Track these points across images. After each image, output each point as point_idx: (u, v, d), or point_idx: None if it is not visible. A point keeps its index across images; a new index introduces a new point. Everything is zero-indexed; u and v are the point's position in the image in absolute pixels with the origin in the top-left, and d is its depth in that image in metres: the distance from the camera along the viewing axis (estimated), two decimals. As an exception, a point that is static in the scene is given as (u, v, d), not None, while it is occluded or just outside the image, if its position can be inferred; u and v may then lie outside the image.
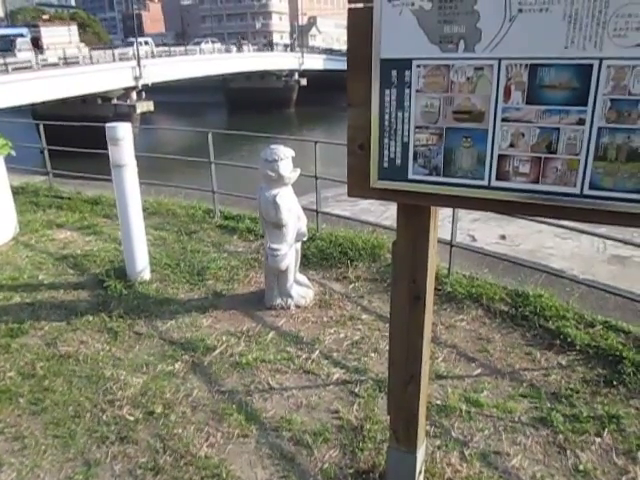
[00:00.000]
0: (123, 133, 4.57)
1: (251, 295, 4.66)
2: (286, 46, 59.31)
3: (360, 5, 1.70)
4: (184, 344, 3.94)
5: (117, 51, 34.53)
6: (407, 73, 1.67)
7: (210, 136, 6.52)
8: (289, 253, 4.21)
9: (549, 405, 3.25)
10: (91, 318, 4.31)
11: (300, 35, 58.97)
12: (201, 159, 7.15)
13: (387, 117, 1.74)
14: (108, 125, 4.62)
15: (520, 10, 1.49)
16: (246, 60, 46.94)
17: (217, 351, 3.84)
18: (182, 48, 45.40)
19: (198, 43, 51.13)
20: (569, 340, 3.84)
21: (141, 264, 4.93)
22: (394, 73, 1.69)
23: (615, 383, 3.44)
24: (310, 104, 48.23)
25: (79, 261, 5.43)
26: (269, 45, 58.16)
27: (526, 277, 4.60)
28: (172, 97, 49.91)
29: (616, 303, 4.36)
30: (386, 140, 1.77)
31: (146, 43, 42.05)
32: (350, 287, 4.73)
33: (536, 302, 4.18)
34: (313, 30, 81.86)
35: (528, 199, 1.64)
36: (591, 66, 1.46)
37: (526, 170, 1.62)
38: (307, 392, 3.40)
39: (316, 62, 53.80)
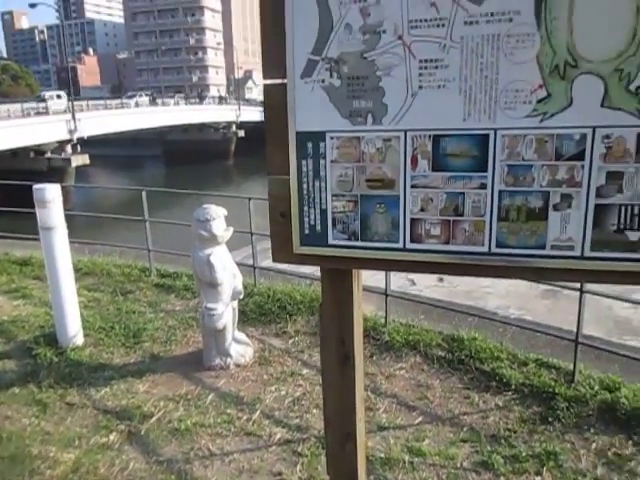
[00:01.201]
0: (51, 195, 4.47)
1: (189, 356, 4.56)
2: (220, 98, 60.08)
3: (274, 81, 1.78)
4: (119, 413, 3.79)
5: (26, 105, 33.92)
6: (322, 145, 1.75)
7: (144, 194, 6.47)
8: (226, 312, 4.18)
9: (489, 448, 3.32)
10: (17, 390, 4.09)
11: (237, 88, 60.02)
12: (135, 218, 7.06)
13: (305, 186, 1.81)
14: (36, 187, 4.51)
15: (420, 87, 1.61)
16: (183, 113, 47.22)
17: (154, 418, 3.71)
18: (118, 101, 45.21)
19: (132, 96, 51.03)
20: (504, 380, 3.96)
21: (73, 329, 4.75)
22: (310, 145, 1.76)
23: (550, 419, 3.57)
24: (249, 155, 48.71)
25: (5, 328, 5.17)
26: (199, 98, 58.57)
27: (460, 321, 4.74)
28: (109, 150, 49.27)
29: (546, 340, 4.56)
30: (306, 208, 1.83)
31: (59, 97, 41.34)
32: (290, 342, 4.72)
33: (471, 345, 4.31)
34: (249, 83, 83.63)
35: (441, 259, 1.72)
36: (487, 136, 1.58)
37: (437, 232, 1.71)
38: (249, 455, 3.33)
39: (253, 114, 54.74)
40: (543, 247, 1.61)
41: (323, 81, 1.70)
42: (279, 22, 1.68)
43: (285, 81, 1.74)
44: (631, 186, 1.49)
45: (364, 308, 5.24)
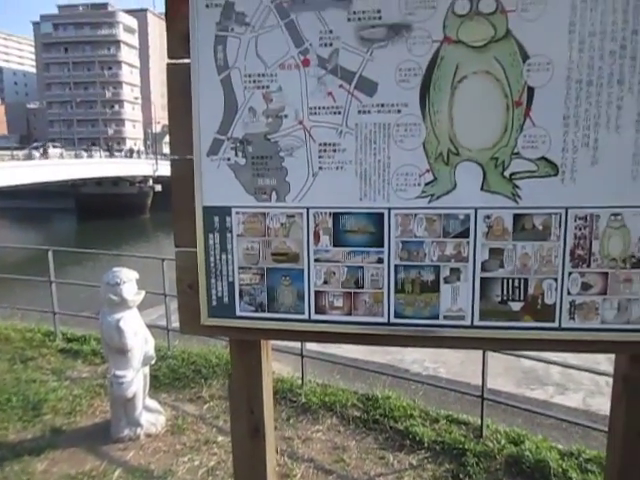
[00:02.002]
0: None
1: (96, 427, 4.30)
2: (131, 152, 59.02)
3: (180, 157, 1.83)
4: (12, 499, 3.48)
5: None
6: (228, 219, 1.80)
7: (50, 254, 6.18)
8: (136, 379, 4.01)
9: (403, 510, 3.33)
10: None
11: (154, 142, 59.46)
12: (40, 278, 6.69)
13: (212, 259, 1.84)
14: None
15: (320, 168, 1.71)
16: (97, 166, 45.92)
17: (53, 502, 3.43)
18: (26, 151, 43.31)
19: (37, 147, 48.99)
20: (417, 439, 4.03)
21: (-38, 405, 4.36)
22: (216, 219, 1.81)
23: (461, 476, 3.64)
24: (166, 209, 47.64)
25: None
26: (109, 151, 57.20)
27: (375, 379, 4.81)
28: (18, 202, 46.69)
29: (456, 396, 4.71)
30: (213, 280, 1.85)
31: None
32: (205, 407, 4.58)
33: (385, 404, 4.37)
34: (167, 138, 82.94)
35: (344, 329, 1.79)
36: (382, 214, 1.70)
37: (340, 304, 1.78)
38: (158, 536, 3.14)
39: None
40: (437, 317, 1.72)
41: (229, 159, 1.76)
42: (186, 102, 1.75)
43: (191, 157, 1.79)
44: (511, 261, 1.64)
45: (281, 370, 5.21)
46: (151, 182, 52.69)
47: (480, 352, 6.20)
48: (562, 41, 1.52)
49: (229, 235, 1.81)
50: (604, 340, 1.63)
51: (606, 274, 1.59)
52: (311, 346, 5.15)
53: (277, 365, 5.33)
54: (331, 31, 1.63)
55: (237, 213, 1.79)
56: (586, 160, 1.55)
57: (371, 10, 1.60)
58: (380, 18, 1.60)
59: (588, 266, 1.60)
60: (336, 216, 1.73)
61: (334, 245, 1.75)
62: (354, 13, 1.61)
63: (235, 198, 1.78)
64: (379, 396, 4.48)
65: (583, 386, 5.82)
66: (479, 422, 4.10)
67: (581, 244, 1.59)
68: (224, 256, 1.83)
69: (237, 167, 1.77)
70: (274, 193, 1.76)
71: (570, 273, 1.61)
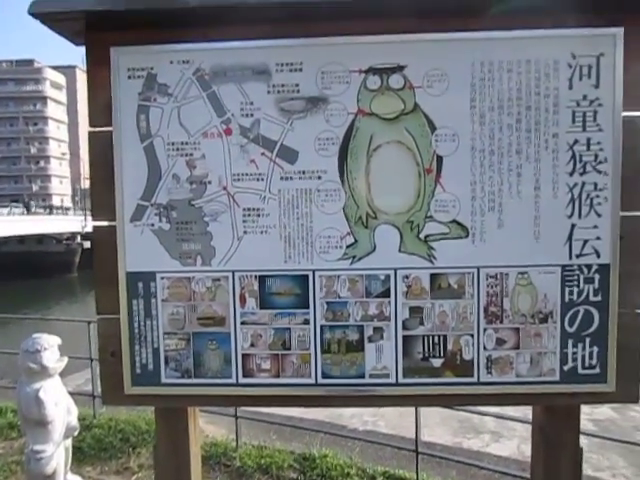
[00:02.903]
0: None
1: (10, 510, 3.95)
2: (51, 208, 56.88)
3: (103, 223, 1.81)
4: None
5: None
6: (152, 285, 1.78)
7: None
8: (56, 453, 3.75)
9: None
10: None
11: (83, 198, 57.82)
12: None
13: (136, 325, 1.80)
14: None
15: (245, 232, 1.74)
16: (17, 224, 43.79)
17: None
18: None
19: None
20: (356, 498, 3.95)
21: None
22: (140, 285, 1.79)
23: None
24: (95, 267, 46.06)
25: None
26: (26, 208, 54.73)
27: (312, 438, 4.73)
28: None
29: (393, 450, 4.69)
30: (137, 347, 1.81)
31: None
32: (133, 479, 4.32)
33: (322, 463, 4.29)
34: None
35: (273, 392, 1.79)
36: (307, 276, 1.74)
37: (267, 366, 1.78)
38: None
39: (101, 224, 52.35)
40: (363, 376, 1.75)
41: (153, 225, 1.77)
42: (108, 169, 1.75)
43: (114, 224, 1.78)
44: (430, 319, 1.71)
45: (215, 432, 5.03)
46: (79, 239, 50.83)
47: (416, 403, 6.29)
48: (465, 115, 1.66)
49: (154, 300, 1.79)
50: (520, 393, 1.71)
51: (518, 329, 1.69)
52: (246, 407, 5.01)
53: (211, 428, 5.14)
54: (252, 102, 1.71)
55: (162, 278, 1.78)
56: (493, 223, 1.67)
57: (290, 84, 1.70)
58: (298, 91, 1.70)
59: (501, 322, 1.69)
60: (262, 279, 1.76)
61: (260, 307, 1.76)
62: (273, 86, 1.70)
63: (159, 263, 1.78)
64: (316, 455, 4.39)
65: (517, 432, 5.94)
66: (415, 477, 4.09)
67: (493, 301, 1.69)
68: (149, 322, 1.80)
69: (161, 232, 1.77)
70: (199, 257, 1.76)
71: (485, 329, 1.70)
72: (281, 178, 1.72)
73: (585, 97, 1.65)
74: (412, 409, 5.94)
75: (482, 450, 5.59)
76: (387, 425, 5.92)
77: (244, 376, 1.80)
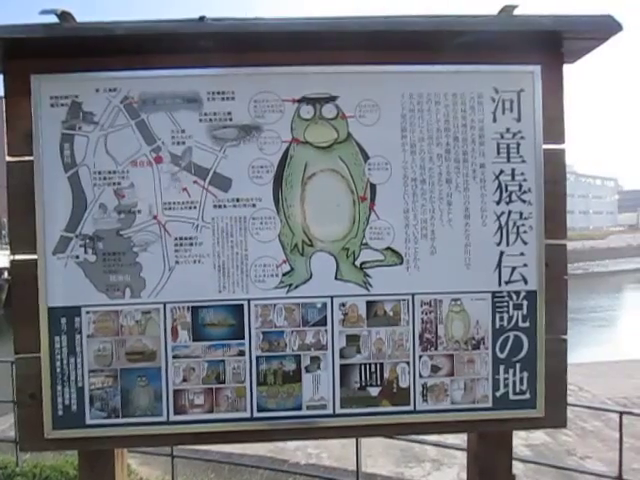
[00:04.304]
0: None
1: None
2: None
3: (23, 257, 1.71)
4: None
5: None
6: (77, 320, 1.69)
7: None
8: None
9: None
10: None
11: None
12: None
13: (59, 364, 1.70)
14: None
15: (177, 262, 1.69)
16: None
17: None
18: None
19: None
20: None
21: None
22: (63, 320, 1.69)
23: None
24: (24, 302, 43.62)
25: None
26: None
27: (252, 474, 4.59)
28: None
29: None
30: (59, 387, 1.70)
31: None
32: (58, 531, 4.02)
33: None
34: (27, 224, 77.21)
35: (206, 428, 1.72)
36: (242, 306, 1.70)
37: (201, 401, 1.71)
38: None
39: (30, 257, 49.99)
40: (300, 408, 1.71)
41: (77, 257, 1.68)
42: (28, 200, 1.66)
43: (35, 257, 1.68)
44: (367, 347, 1.70)
45: (150, 475, 4.79)
46: (6, 274, 48.21)
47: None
48: (396, 144, 1.69)
49: (78, 337, 1.70)
50: (455, 420, 1.72)
51: (452, 356, 1.71)
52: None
53: (145, 469, 4.89)
54: (183, 130, 1.68)
55: (87, 313, 1.69)
56: (426, 250, 1.69)
57: (222, 112, 1.68)
58: (231, 120, 1.68)
59: (435, 349, 1.71)
60: (195, 310, 1.70)
61: (193, 340, 1.70)
62: (205, 114, 1.68)
63: (85, 297, 1.69)
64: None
65: (457, 460, 5.99)
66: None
67: (428, 328, 1.70)
68: (72, 360, 1.70)
69: (87, 265, 1.69)
70: (128, 289, 1.69)
71: (420, 356, 1.71)
72: (214, 206, 1.69)
73: (508, 130, 1.73)
74: (354, 440, 5.91)
75: (422, 479, 5.60)
76: (330, 457, 5.84)
77: (176, 413, 1.72)
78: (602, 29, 1.67)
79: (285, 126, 1.69)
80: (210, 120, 1.68)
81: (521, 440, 6.38)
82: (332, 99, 1.70)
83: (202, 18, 1.61)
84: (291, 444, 5.86)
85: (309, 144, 1.69)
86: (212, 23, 1.62)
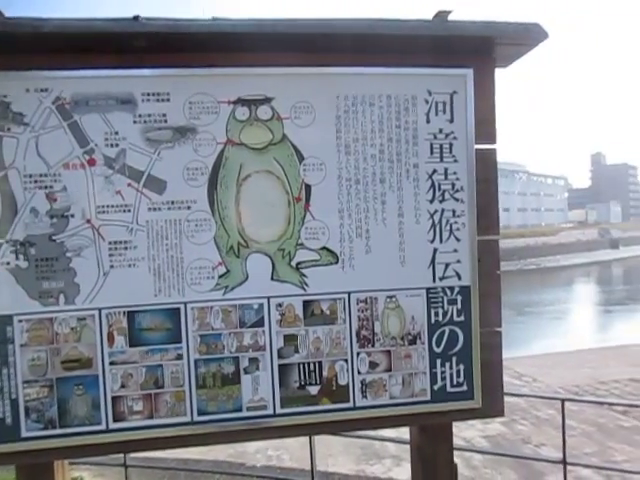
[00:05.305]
0: None
1: None
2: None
3: (-51, 265, 1.65)
4: None
5: None
6: (9, 329, 1.64)
7: None
8: None
9: None
10: None
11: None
12: None
13: (-10, 375, 1.65)
14: None
15: (112, 266, 1.67)
16: None
17: None
18: None
19: None
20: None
21: None
22: (-6, 330, 1.64)
23: None
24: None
25: None
26: None
27: (208, 479, 4.55)
28: None
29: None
30: (-9, 399, 1.65)
31: None
32: None
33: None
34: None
35: (146, 435, 1.69)
36: (179, 309, 1.69)
37: (140, 408, 1.69)
38: None
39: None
40: (240, 410, 1.71)
41: (8, 263, 1.64)
42: (-46, 204, 1.61)
43: (-39, 266, 1.63)
44: (305, 346, 1.72)
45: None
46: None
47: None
48: (331, 145, 1.71)
49: (10, 346, 1.65)
50: (395, 415, 1.75)
51: (389, 352, 1.74)
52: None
53: (100, 481, 4.79)
54: (117, 132, 1.65)
55: (20, 321, 1.65)
56: (361, 249, 1.72)
57: (157, 114, 1.67)
58: (166, 121, 1.67)
59: (373, 346, 1.73)
60: (131, 315, 1.68)
61: (130, 345, 1.68)
62: (139, 116, 1.66)
63: (17, 305, 1.64)
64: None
65: (416, 455, 6.09)
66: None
67: (365, 325, 1.73)
68: (5, 371, 1.65)
69: (18, 271, 1.64)
70: (62, 296, 1.66)
71: (358, 353, 1.73)
72: (149, 209, 1.67)
73: (441, 130, 1.77)
74: (316, 439, 5.93)
75: (384, 476, 5.65)
76: (292, 458, 5.84)
77: (115, 420, 1.69)
78: (530, 36, 1.73)
79: (220, 128, 1.69)
80: (144, 122, 1.67)
81: (478, 432, 6.54)
82: (267, 101, 1.70)
83: (136, 17, 1.59)
84: (251, 447, 5.84)
85: (244, 146, 1.69)
86: (146, 23, 1.60)
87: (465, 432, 6.36)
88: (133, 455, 4.51)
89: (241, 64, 1.70)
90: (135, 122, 1.66)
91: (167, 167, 1.67)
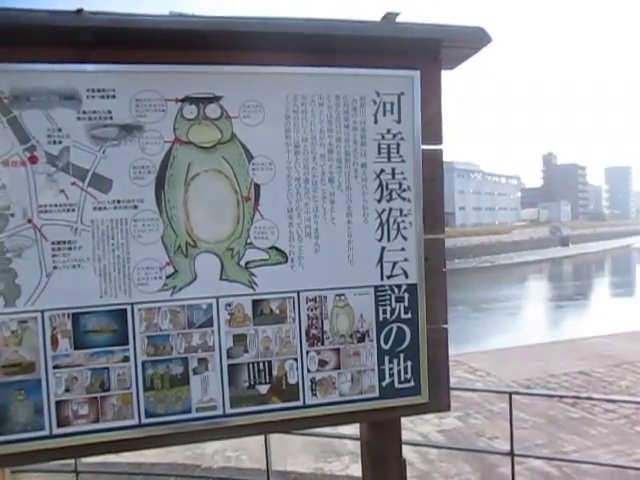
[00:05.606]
0: None
1: None
2: None
3: None
4: None
5: None
6: (-56, 332, 1.58)
7: None
8: None
9: None
10: None
11: None
12: None
13: None
14: None
15: (55, 267, 1.62)
16: None
17: None
18: None
19: None
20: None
21: None
22: None
23: None
24: None
25: None
26: None
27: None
28: None
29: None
30: None
31: None
32: None
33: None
34: None
35: (93, 439, 1.66)
36: (125, 310, 1.66)
37: (85, 412, 1.65)
38: None
39: None
40: (189, 411, 1.70)
41: (-56, 264, 1.57)
42: None
43: None
44: (254, 346, 1.72)
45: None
46: None
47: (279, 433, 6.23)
48: (280, 144, 1.72)
49: (-53, 350, 1.59)
50: (345, 412, 1.77)
51: (338, 350, 1.76)
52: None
53: (50, 489, 4.64)
54: (60, 129, 1.61)
55: (-43, 324, 1.59)
56: (310, 248, 1.73)
57: (102, 111, 1.63)
58: (111, 118, 1.64)
59: (322, 344, 1.75)
60: (75, 317, 1.64)
61: (75, 348, 1.64)
62: (84, 113, 1.62)
63: (-47, 308, 1.58)
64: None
65: (373, 451, 6.16)
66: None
67: (314, 324, 1.74)
68: (-60, 376, 1.59)
69: (-45, 272, 1.58)
70: (1, 298, 1.60)
71: (308, 352, 1.74)
72: (94, 208, 1.63)
73: (389, 131, 1.80)
74: (274, 438, 5.92)
75: (342, 473, 5.69)
76: (251, 458, 5.81)
77: (59, 425, 1.65)
78: (474, 40, 1.78)
79: (168, 126, 1.66)
80: (89, 119, 1.63)
81: (434, 426, 6.66)
82: (216, 99, 1.69)
83: (79, 11, 1.55)
84: (210, 448, 5.78)
85: (192, 144, 1.67)
86: (90, 17, 1.57)
87: (421, 427, 6.47)
88: (85, 460, 4.40)
89: (189, 61, 1.68)
90: (79, 119, 1.62)
91: (113, 165, 1.64)
